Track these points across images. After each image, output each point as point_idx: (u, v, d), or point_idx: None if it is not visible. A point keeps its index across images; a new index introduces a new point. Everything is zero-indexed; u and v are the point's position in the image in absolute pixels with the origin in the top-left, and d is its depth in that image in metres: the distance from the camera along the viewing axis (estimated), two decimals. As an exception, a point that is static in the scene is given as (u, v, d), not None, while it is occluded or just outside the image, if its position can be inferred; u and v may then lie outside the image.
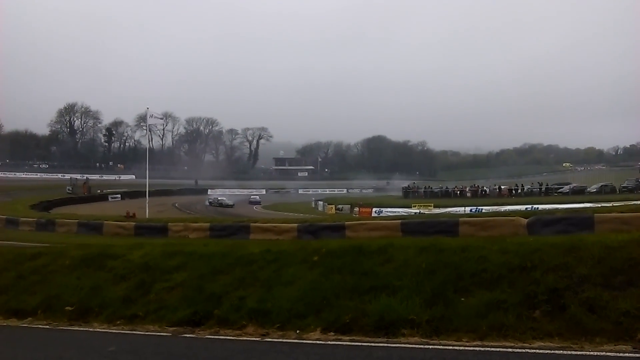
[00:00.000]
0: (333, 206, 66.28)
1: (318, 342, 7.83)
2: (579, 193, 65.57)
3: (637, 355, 6.37)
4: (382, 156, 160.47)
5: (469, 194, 74.80)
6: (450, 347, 7.04)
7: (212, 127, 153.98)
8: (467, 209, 47.50)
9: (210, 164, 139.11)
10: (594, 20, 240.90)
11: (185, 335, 8.86)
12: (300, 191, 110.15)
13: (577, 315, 7.17)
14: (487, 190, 77.26)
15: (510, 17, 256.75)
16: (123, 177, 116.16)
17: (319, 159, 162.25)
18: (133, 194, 73.97)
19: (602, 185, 68.12)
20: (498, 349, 6.79)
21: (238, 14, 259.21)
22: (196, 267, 11.27)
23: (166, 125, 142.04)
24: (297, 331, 8.29)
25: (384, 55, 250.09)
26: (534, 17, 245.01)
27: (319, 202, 76.35)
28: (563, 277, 7.89)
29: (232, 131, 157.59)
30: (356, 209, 58.64)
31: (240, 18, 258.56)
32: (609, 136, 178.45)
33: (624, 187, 66.22)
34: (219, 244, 13.58)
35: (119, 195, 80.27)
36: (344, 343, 7.66)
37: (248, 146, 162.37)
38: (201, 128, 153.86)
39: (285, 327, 8.45)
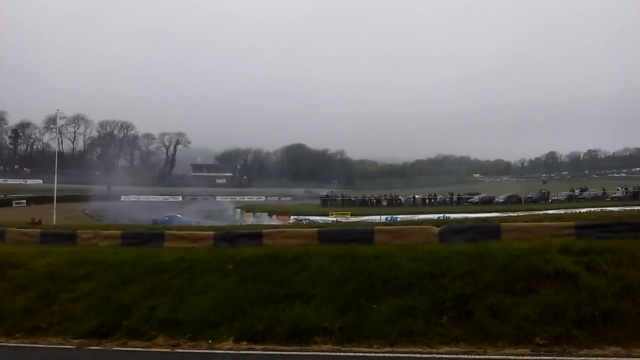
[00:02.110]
0: (251, 213, 65.84)
1: (230, 351, 7.75)
2: (487, 203, 68.42)
3: (536, 358, 6.72)
4: (301, 164, 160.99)
5: (385, 203, 76.40)
6: (361, 354, 7.16)
7: (127, 131, 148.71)
8: (383, 217, 48.53)
9: (124, 169, 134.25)
10: (508, 45, 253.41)
11: (91, 347, 8.50)
12: (219, 198, 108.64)
13: (481, 320, 7.48)
14: (402, 199, 79.30)
15: (436, 38, 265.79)
16: (29, 181, 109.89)
17: (238, 166, 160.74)
18: (40, 199, 69.93)
19: (509, 196, 71.50)
20: (407, 355, 6.97)
21: (169, 9, 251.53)
22: (105, 277, 10.85)
23: (78, 128, 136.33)
24: (209, 341, 8.15)
25: (313, 65, 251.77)
26: (458, 38, 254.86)
27: (237, 209, 75.58)
28: (469, 284, 8.22)
29: (148, 136, 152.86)
30: (274, 217, 58.54)
31: (171, 14, 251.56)
32: (516, 150, 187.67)
33: (528, 197, 69.80)
34: (130, 253, 13.11)
35: (24, 201, 75.77)
36: (256, 352, 7.62)
37: (165, 152, 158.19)
38: (115, 132, 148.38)
39: (196, 337, 8.29)
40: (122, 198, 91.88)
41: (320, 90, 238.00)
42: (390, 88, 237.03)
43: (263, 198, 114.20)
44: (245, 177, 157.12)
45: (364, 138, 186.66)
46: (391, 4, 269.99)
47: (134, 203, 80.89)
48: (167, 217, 51.89)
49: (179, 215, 54.79)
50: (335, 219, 51.77)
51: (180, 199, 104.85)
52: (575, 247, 9.05)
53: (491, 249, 9.36)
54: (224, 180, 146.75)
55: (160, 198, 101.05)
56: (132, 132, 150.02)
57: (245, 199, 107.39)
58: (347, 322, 7.94)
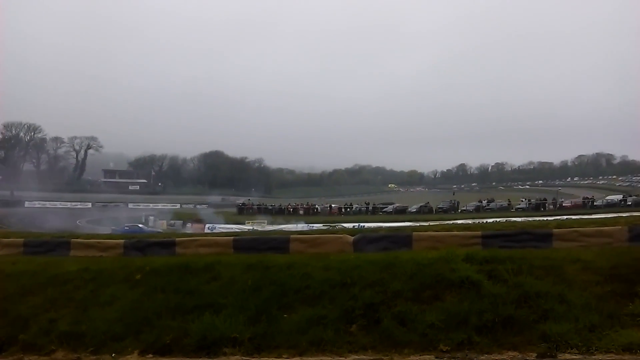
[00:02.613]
0: (164, 221, 64.16)
1: (135, 364, 7.48)
2: (401, 212, 70.33)
3: (440, 364, 6.94)
4: (218, 172, 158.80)
5: (301, 212, 76.85)
6: (270, 364, 7.12)
7: (33, 134, 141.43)
8: (300, 226, 48.66)
9: (29, 174, 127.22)
10: (427, 65, 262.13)
11: (-19, 364, 7.96)
12: (131, 205, 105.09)
13: (389, 328, 7.63)
14: (319, 208, 80.00)
15: (362, 54, 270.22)
16: None
17: (153, 173, 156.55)
18: None
19: (421, 206, 73.83)
20: (316, 364, 7.00)
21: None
22: (1, 288, 10.21)
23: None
24: (113, 354, 7.82)
25: (235, 71, 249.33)
26: (382, 56, 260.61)
27: (150, 217, 73.38)
28: (379, 292, 8.38)
29: (57, 139, 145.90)
30: (189, 225, 57.35)
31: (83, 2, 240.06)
32: (429, 161, 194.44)
33: (439, 207, 72.39)
34: (32, 262, 12.41)
35: None
36: (162, 365, 7.41)
37: (75, 156, 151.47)
38: (21, 134, 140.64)
39: (99, 351, 7.93)
40: (27, 204, 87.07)
41: (242, 96, 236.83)
42: (312, 99, 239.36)
43: (178, 205, 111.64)
44: (160, 184, 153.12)
45: (283, 147, 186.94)
46: (320, 17, 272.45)
47: (40, 209, 76.73)
48: (127, 226, 47.14)
49: (140, 225, 51.15)
50: (251, 228, 51.39)
51: (90, 206, 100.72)
52: (479, 256, 9.44)
53: (401, 258, 9.60)
54: (137, 187, 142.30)
55: (69, 204, 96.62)
56: (39, 135, 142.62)
57: (160, 206, 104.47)
58: (258, 332, 7.87)
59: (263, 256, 11.31)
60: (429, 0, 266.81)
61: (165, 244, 18.82)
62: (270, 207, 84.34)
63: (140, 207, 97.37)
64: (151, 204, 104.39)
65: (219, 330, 7.80)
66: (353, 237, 17.44)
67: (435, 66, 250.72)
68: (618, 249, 10.14)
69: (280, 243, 17.79)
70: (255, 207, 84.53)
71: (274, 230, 40.80)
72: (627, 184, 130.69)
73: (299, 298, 8.66)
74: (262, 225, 55.32)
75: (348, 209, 77.27)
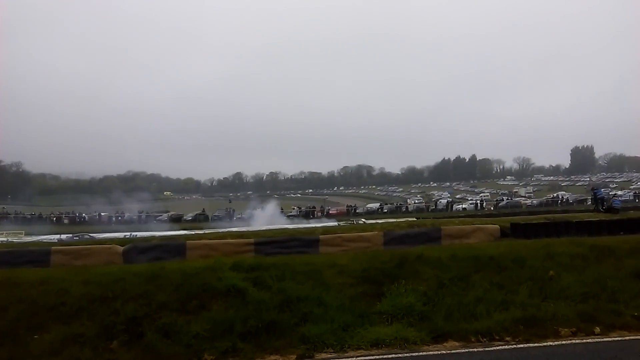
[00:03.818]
0: None
1: None
2: (176, 221, 68.85)
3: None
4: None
5: (66, 221, 71.06)
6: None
7: None
8: (64, 236, 44.80)
9: None
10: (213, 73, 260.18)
11: None
12: None
13: (153, 341, 7.39)
14: (87, 217, 74.80)
15: (154, 46, 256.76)
16: None
17: None
18: None
19: (197, 214, 73.27)
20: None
21: None
22: None
23: None
24: None
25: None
26: (171, 64, 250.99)
27: None
28: (143, 305, 8.07)
29: None
30: None
31: None
32: (206, 169, 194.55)
33: (215, 215, 72.50)
34: None
35: None
36: None
37: None
38: None
39: None
40: None
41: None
42: (83, 99, 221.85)
43: None
44: None
45: (47, 150, 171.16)
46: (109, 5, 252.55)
47: None
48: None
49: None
50: (5, 240, 45.96)
51: None
52: (246, 264, 9.66)
53: (167, 268, 9.39)
54: None
55: None
56: None
57: None
58: (2, 356, 7.04)
59: (12, 272, 10.19)
60: (227, 7, 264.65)
61: None
62: (29, 216, 76.42)
63: None
64: None
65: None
66: (123, 248, 16.67)
67: (222, 76, 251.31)
68: (370, 253, 11.16)
69: (39, 256, 16.28)
70: (12, 216, 75.89)
71: (33, 242, 37.04)
72: (384, 193, 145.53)
73: (53, 316, 7.97)
74: (18, 237, 49.79)
75: (120, 217, 73.45)
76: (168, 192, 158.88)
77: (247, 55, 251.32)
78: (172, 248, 16.56)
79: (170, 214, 75.76)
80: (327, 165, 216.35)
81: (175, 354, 7.23)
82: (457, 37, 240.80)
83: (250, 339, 7.59)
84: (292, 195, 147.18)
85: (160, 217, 73.20)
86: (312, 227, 24.39)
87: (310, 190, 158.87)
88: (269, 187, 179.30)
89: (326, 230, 20.88)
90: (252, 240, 17.75)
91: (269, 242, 17.79)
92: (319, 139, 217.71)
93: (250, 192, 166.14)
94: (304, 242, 17.97)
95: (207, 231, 30.34)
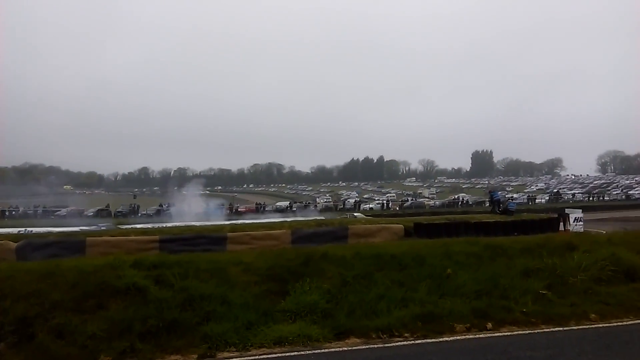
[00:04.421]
0: None
1: None
2: (76, 216, 65.85)
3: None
4: None
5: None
6: None
7: None
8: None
9: None
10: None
11: None
12: None
13: (45, 342, 7.03)
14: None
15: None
16: None
17: None
18: None
19: (99, 209, 70.26)
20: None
21: None
22: None
23: None
24: None
25: None
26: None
27: None
28: (34, 305, 7.65)
29: None
30: None
31: None
32: (110, 163, 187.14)
33: (118, 211, 69.96)
34: None
35: None
36: None
37: None
38: None
39: None
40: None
41: None
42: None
43: None
44: None
45: None
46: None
47: None
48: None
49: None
50: None
51: None
52: (148, 261, 9.39)
53: (63, 266, 8.93)
54: None
55: None
56: None
57: None
58: None
59: None
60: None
61: None
62: None
63: None
64: None
65: None
66: (16, 244, 15.81)
67: (134, 66, 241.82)
68: (276, 251, 11.15)
69: None
70: None
71: None
72: (294, 191, 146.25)
73: None
74: None
75: (14, 212, 69.19)
76: (68, 186, 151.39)
77: (162, 45, 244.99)
78: (71, 245, 15.86)
79: (69, 209, 72.14)
80: (238, 162, 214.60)
81: (69, 355, 6.91)
82: (376, 46, 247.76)
83: (150, 339, 7.38)
84: (201, 192, 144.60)
85: (58, 212, 69.61)
86: (221, 225, 24.08)
87: (219, 187, 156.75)
88: (176, 182, 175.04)
89: (234, 228, 20.71)
90: (156, 237, 17.31)
91: (174, 239, 17.42)
92: (231, 136, 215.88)
93: (156, 188, 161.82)
94: (211, 239, 17.73)
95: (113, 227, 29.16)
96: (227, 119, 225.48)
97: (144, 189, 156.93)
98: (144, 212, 69.29)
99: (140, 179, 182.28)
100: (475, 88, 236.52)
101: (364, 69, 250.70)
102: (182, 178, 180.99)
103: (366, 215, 46.59)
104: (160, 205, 73.73)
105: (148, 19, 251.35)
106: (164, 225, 31.40)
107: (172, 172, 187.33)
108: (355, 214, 45.73)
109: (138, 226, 30.91)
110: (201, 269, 9.23)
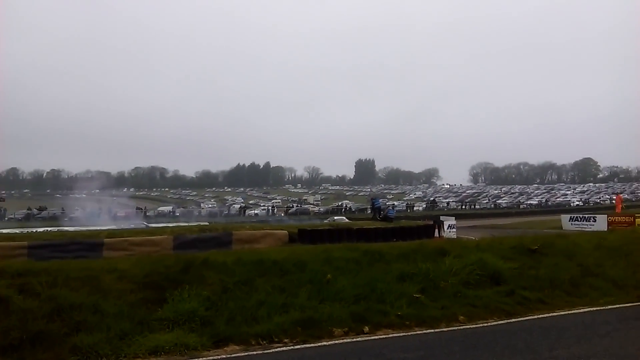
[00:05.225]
0: None
1: None
2: None
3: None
4: None
5: None
6: None
7: None
8: None
9: None
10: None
11: None
12: None
13: None
14: None
15: None
16: None
17: None
18: None
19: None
20: None
21: None
22: None
23: None
24: None
25: None
26: None
27: None
28: None
29: None
30: None
31: None
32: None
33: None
34: None
35: None
36: None
37: None
38: None
39: None
40: None
41: None
42: None
43: None
44: None
45: None
46: None
47: None
48: None
49: None
50: None
51: None
52: (12, 269, 8.76)
53: None
54: None
55: None
56: None
57: None
58: None
59: None
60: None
61: None
62: None
63: None
64: None
65: None
66: None
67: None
68: (153, 258, 10.79)
69: None
70: None
71: None
72: (177, 196, 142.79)
73: None
74: None
75: None
76: None
77: (44, 40, 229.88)
78: None
79: None
80: (118, 164, 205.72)
81: None
82: (271, 54, 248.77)
83: (11, 353, 6.84)
84: (77, 195, 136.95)
85: None
86: (97, 230, 22.98)
87: (97, 191, 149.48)
88: (49, 185, 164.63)
89: (112, 233, 19.87)
90: (25, 243, 16.29)
91: (45, 245, 16.47)
92: (111, 137, 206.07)
93: (26, 190, 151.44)
94: (86, 245, 16.96)
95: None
96: (108, 120, 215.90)
97: (12, 191, 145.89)
98: (12, 216, 64.67)
99: (9, 181, 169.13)
100: (365, 101, 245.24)
101: (263, 79, 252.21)
102: (56, 180, 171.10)
103: (252, 222, 46.48)
104: (30, 209, 69.12)
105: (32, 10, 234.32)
106: (34, 230, 29.50)
107: (44, 174, 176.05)
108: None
109: (4, 231, 28.78)
110: (72, 276, 8.72)
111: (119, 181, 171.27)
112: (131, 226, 32.29)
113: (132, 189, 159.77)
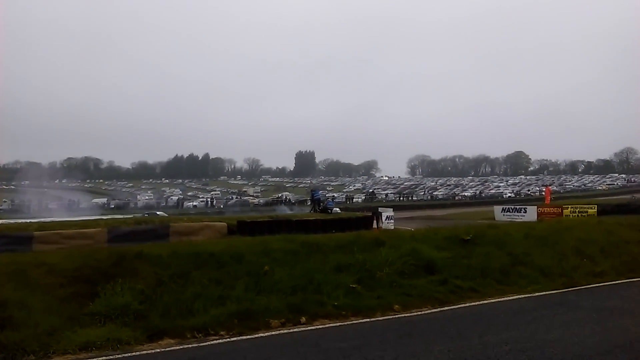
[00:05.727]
0: None
1: None
2: None
3: None
4: None
5: None
6: None
7: None
8: None
9: None
10: None
11: None
12: None
13: None
14: None
15: None
16: None
17: None
18: None
19: None
20: None
21: None
22: None
23: None
24: None
25: None
26: None
27: None
28: None
29: None
30: None
31: None
32: None
33: None
34: None
35: None
36: None
37: None
38: None
39: None
40: None
41: None
42: None
43: None
44: None
45: None
46: None
47: None
48: None
49: None
50: None
51: None
52: None
53: None
54: None
55: None
56: None
57: None
58: None
59: None
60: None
61: None
62: None
63: None
64: None
65: None
66: None
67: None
68: (85, 251, 10.46)
69: None
70: None
71: None
72: (112, 188, 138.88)
73: None
74: None
75: None
76: None
77: None
78: None
79: None
80: (49, 155, 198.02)
81: None
82: (221, 44, 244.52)
83: None
84: (5, 187, 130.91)
85: None
86: (27, 223, 22.03)
87: (27, 182, 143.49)
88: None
89: (42, 226, 19.10)
90: None
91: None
92: (41, 127, 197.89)
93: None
94: (15, 239, 16.23)
95: None
96: (38, 107, 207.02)
97: None
98: None
99: None
100: (310, 95, 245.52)
101: (211, 69, 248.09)
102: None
103: (190, 214, 45.68)
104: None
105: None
106: None
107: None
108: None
109: None
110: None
111: (50, 172, 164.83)
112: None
113: (64, 181, 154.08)
